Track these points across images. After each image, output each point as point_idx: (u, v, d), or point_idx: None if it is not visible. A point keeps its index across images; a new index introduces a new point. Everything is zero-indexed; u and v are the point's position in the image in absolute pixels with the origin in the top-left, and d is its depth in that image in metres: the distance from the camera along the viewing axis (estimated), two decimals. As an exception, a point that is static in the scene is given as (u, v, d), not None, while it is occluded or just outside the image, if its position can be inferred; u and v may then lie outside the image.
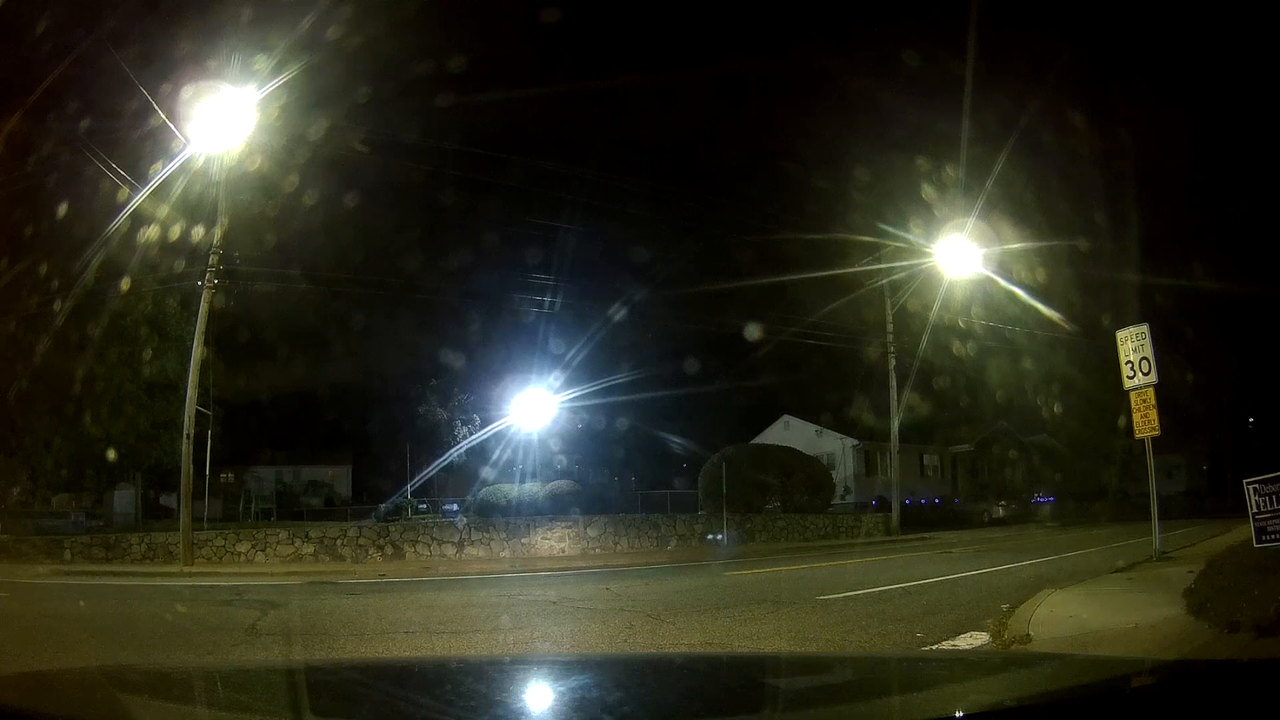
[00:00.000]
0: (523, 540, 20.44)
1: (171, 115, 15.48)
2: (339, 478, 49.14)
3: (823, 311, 27.09)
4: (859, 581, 11.21)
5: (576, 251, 35.22)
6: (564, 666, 3.29)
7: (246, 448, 38.72)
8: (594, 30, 46.78)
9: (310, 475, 47.24)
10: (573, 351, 27.44)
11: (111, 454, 24.21)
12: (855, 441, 40.85)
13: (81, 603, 10.63)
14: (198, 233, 17.90)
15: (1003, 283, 25.31)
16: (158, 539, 18.51)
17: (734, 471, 25.04)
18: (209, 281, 17.61)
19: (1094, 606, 7.44)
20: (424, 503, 36.46)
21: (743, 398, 42.90)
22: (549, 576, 14.30)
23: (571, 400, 29.48)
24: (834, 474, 34.73)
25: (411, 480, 34.87)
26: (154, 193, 16.23)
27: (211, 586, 12.80)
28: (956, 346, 29.39)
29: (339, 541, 18.93)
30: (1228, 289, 31.52)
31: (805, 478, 28.52)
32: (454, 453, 34.23)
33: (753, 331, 28.68)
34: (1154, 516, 12.44)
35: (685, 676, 2.80)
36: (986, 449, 45.00)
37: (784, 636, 7.25)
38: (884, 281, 27.15)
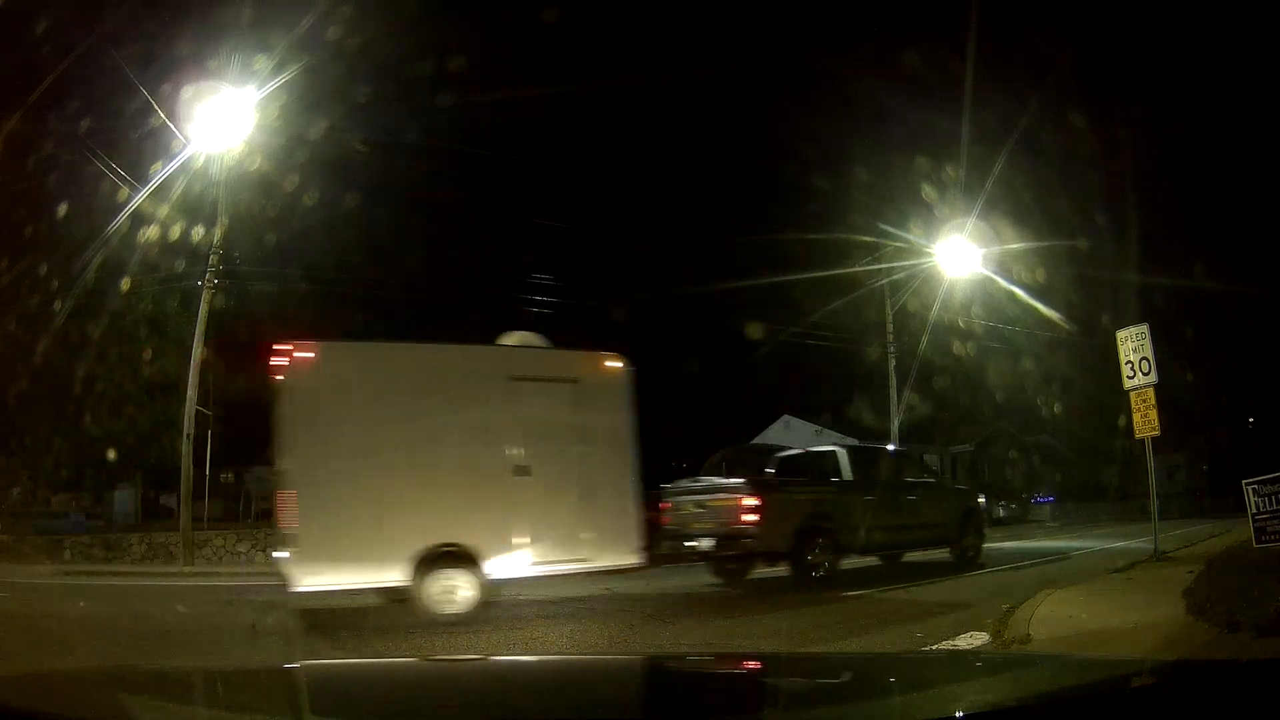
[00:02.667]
0: (523, 540, 20.37)
1: (171, 115, 15.51)
2: (339, 477, 49.06)
3: (823, 311, 27.09)
4: (858, 581, 11.21)
5: (576, 251, 35.29)
6: (564, 666, 3.28)
7: (246, 448, 38.63)
8: (594, 30, 46.75)
9: (310, 475, 47.14)
10: (572, 351, 27.33)
11: (111, 454, 24.18)
12: (855, 441, 40.83)
13: (82, 603, 10.64)
14: (198, 233, 17.91)
15: (1003, 283, 25.29)
16: (158, 539, 18.52)
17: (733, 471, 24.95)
18: (209, 281, 17.62)
19: (1094, 607, 7.43)
20: (424, 503, 36.33)
21: (743, 398, 42.92)
22: (548, 576, 14.26)
23: (571, 400, 29.35)
24: (834, 474, 34.63)
25: (411, 480, 34.70)
26: (154, 193, 16.24)
27: (212, 586, 12.81)
28: (956, 346, 29.36)
29: (339, 541, 18.91)
30: (1228, 289, 31.45)
31: (805, 478, 28.43)
32: (454, 452, 34.11)
33: (753, 331, 28.68)
34: (1154, 516, 12.44)
35: (685, 676, 2.79)
36: (986, 449, 45.01)
37: (784, 636, 7.26)
38: (884, 281, 27.13)
